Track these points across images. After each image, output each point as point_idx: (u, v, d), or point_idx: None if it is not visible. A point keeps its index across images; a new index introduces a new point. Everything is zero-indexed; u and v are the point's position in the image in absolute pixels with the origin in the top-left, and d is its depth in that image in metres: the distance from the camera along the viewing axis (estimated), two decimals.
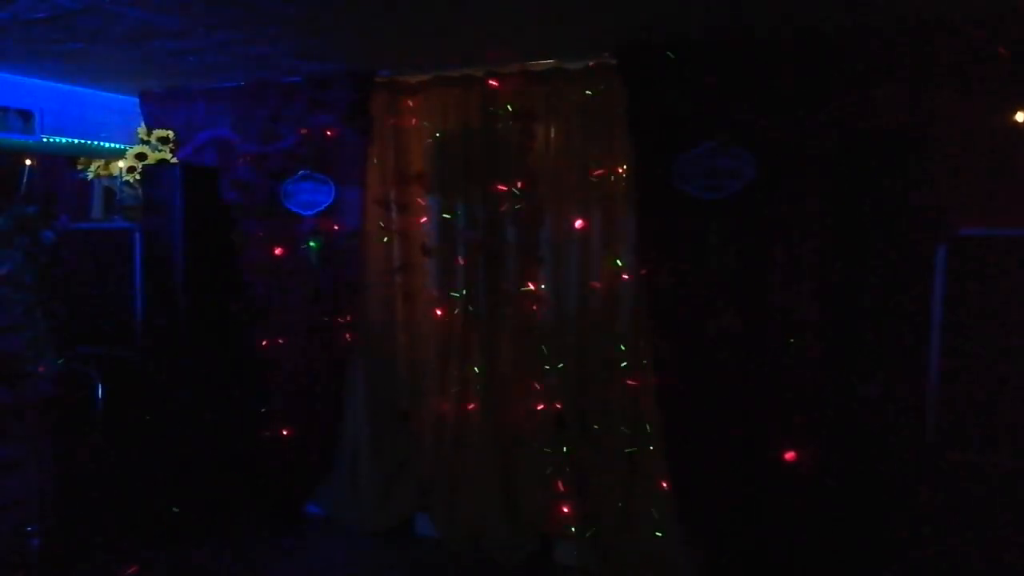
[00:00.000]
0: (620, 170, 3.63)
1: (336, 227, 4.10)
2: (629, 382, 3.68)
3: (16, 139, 3.99)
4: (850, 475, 3.06)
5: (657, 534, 3.59)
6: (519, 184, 3.80)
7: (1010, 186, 2.76)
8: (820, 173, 3.09)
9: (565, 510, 3.82)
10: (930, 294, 2.81)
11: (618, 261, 3.67)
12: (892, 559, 2.99)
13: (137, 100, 4.57)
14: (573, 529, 3.78)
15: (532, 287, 3.86)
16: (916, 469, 2.90)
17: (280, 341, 4.25)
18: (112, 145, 4.45)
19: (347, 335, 4.15)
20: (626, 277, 3.66)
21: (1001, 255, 2.68)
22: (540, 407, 3.89)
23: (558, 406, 3.85)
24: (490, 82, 3.77)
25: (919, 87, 2.90)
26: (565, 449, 3.84)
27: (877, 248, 2.97)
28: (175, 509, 3.99)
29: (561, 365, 3.82)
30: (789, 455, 3.18)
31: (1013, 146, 2.76)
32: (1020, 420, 2.69)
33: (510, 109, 3.77)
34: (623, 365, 3.69)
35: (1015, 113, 2.74)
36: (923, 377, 2.85)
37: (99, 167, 4.48)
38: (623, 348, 3.68)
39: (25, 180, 4.12)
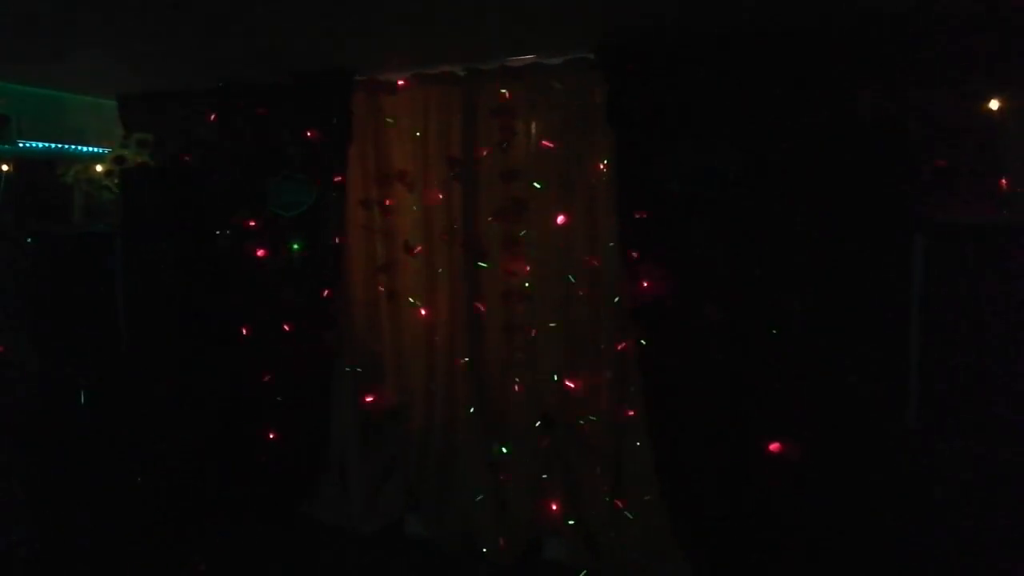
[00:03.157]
0: (602, 165, 3.63)
1: (319, 227, 4.08)
2: (614, 377, 3.68)
3: None
4: (835, 465, 3.07)
5: (645, 530, 3.59)
6: (500, 181, 3.80)
7: (986, 175, 2.77)
8: (801, 166, 3.09)
9: (554, 507, 3.82)
10: (910, 283, 2.82)
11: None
12: (879, 548, 3.00)
13: (115, 103, 4.54)
14: (563, 526, 3.79)
15: (516, 284, 3.86)
16: (901, 458, 2.91)
17: (265, 343, 4.23)
18: (91, 149, 4.41)
19: (333, 335, 4.13)
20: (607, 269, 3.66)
21: (978, 243, 2.70)
22: (527, 405, 3.89)
23: (545, 403, 3.85)
24: (471, 79, 3.76)
25: (896, 78, 2.91)
26: (553, 446, 3.84)
27: (858, 238, 2.98)
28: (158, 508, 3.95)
29: (547, 362, 3.82)
30: (775, 446, 3.19)
31: (988, 135, 2.77)
32: (1002, 407, 2.70)
33: (491, 107, 3.76)
34: (608, 360, 3.69)
35: (989, 101, 2.75)
36: (905, 365, 2.87)
37: (78, 171, 4.44)
38: (608, 344, 3.68)
39: (2, 186, 4.07)
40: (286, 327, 4.18)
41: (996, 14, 2.75)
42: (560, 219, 3.70)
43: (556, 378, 3.79)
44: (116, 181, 4.28)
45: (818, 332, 3.10)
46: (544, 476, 3.87)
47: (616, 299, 3.62)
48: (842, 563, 3.10)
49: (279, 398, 4.23)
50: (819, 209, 3.08)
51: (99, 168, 4.37)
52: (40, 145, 4.18)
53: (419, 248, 4.07)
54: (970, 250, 2.72)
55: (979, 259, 2.70)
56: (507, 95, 3.74)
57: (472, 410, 3.99)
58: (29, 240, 3.97)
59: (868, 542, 3.03)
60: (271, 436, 4.23)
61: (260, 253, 4.19)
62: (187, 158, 4.35)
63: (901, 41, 2.90)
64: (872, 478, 2.99)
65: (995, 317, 2.68)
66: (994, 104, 2.73)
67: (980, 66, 2.80)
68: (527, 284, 3.85)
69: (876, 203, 2.96)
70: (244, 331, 4.26)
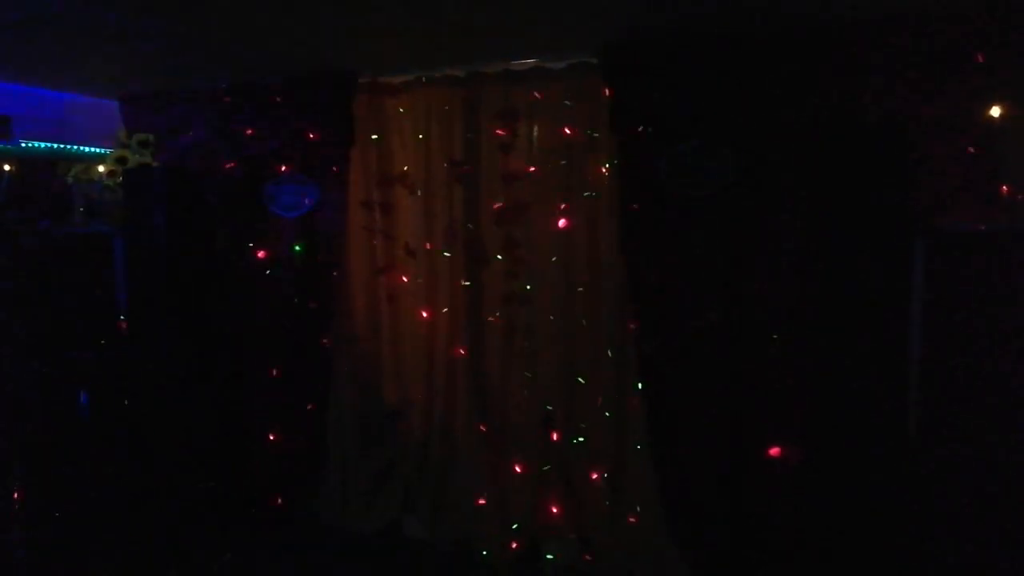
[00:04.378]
0: (603, 168, 3.64)
1: (320, 229, 4.09)
2: (614, 380, 3.69)
3: None
4: (834, 470, 3.07)
5: (644, 532, 3.60)
6: (502, 183, 3.80)
7: (988, 181, 2.78)
8: (801, 169, 3.11)
9: (553, 510, 3.82)
10: (910, 288, 2.83)
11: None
12: (878, 551, 3.01)
13: (117, 103, 4.54)
14: (562, 528, 3.79)
15: (517, 287, 3.86)
16: (900, 461, 2.92)
17: (265, 344, 4.23)
18: (92, 149, 4.40)
19: (332, 337, 4.14)
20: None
21: (979, 249, 2.71)
22: (526, 407, 3.90)
23: (545, 405, 3.86)
24: (473, 82, 3.77)
25: (898, 83, 2.92)
26: (552, 449, 3.85)
27: (858, 243, 2.99)
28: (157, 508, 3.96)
29: (547, 365, 3.83)
30: (774, 450, 3.20)
31: (990, 141, 2.78)
32: (1001, 414, 2.71)
33: (493, 110, 3.77)
34: (608, 363, 3.70)
35: (991, 108, 2.76)
36: (904, 372, 2.87)
37: (79, 172, 4.43)
38: (608, 347, 3.69)
39: (3, 186, 4.07)
40: (286, 328, 4.18)
41: (998, 17, 2.76)
42: (562, 222, 3.71)
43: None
44: (118, 181, 4.28)
45: (818, 335, 3.10)
46: (543, 478, 3.87)
47: (617, 301, 3.62)
48: (841, 566, 3.10)
49: (279, 399, 4.23)
50: (820, 212, 3.09)
51: (101, 168, 4.36)
52: (41, 145, 4.17)
53: (428, 245, 4.07)
54: (970, 256, 2.72)
55: (979, 265, 2.71)
56: (510, 98, 3.75)
57: (471, 411, 3.99)
58: (30, 240, 3.96)
59: (867, 545, 3.04)
60: (270, 437, 4.23)
61: (261, 254, 4.19)
62: (189, 159, 4.35)
63: (902, 43, 2.91)
64: (871, 481, 3.00)
65: (995, 323, 2.69)
66: (995, 110, 2.74)
67: (982, 70, 2.81)
68: (528, 287, 3.86)
69: (877, 207, 2.97)
70: (244, 332, 4.26)
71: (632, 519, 3.66)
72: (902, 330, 2.87)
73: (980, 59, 2.80)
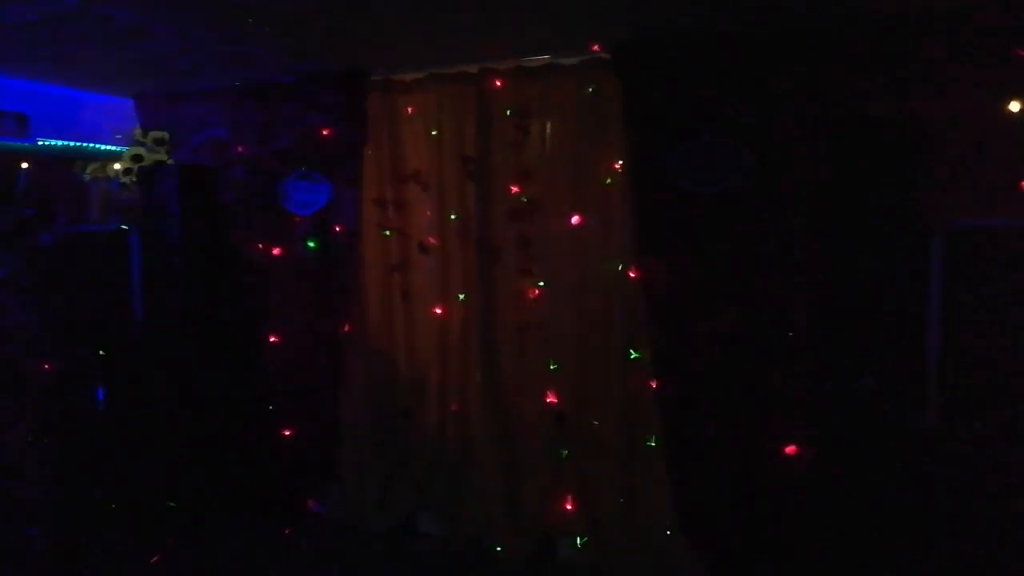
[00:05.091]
0: (616, 165, 3.62)
1: (333, 226, 4.10)
2: (628, 378, 3.68)
3: (11, 142, 3.99)
4: (849, 468, 3.05)
5: (658, 530, 3.59)
6: (515, 180, 3.80)
7: (1004, 176, 2.75)
8: (815, 166, 3.08)
9: (567, 507, 3.82)
10: (927, 286, 2.80)
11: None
12: (892, 552, 2.98)
13: (132, 102, 4.57)
14: (575, 525, 3.78)
15: (530, 284, 3.86)
16: (916, 461, 2.89)
17: (279, 341, 4.25)
18: (108, 147, 4.44)
19: (346, 334, 4.15)
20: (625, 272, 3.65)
21: (996, 245, 2.68)
22: (540, 404, 3.90)
23: (558, 403, 3.85)
24: (485, 79, 3.77)
25: (912, 79, 2.89)
26: (565, 446, 3.85)
27: (873, 240, 2.96)
28: (172, 504, 4.00)
29: (560, 362, 3.82)
30: (789, 449, 3.18)
31: (1006, 136, 2.74)
32: (1018, 411, 2.68)
33: (506, 107, 3.76)
34: (622, 361, 3.68)
35: (1008, 103, 2.72)
36: (921, 369, 2.85)
37: (95, 169, 4.47)
38: (621, 344, 3.67)
39: (21, 183, 4.11)
40: (300, 325, 4.20)
41: (1011, 12, 2.72)
42: (575, 219, 3.70)
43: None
44: (133, 179, 4.32)
45: (833, 333, 3.08)
46: (557, 476, 3.87)
47: (629, 298, 3.61)
48: (854, 566, 3.08)
49: (292, 395, 4.25)
50: (835, 210, 3.06)
51: (116, 166, 4.40)
52: (58, 143, 4.22)
53: (433, 240, 4.06)
54: (988, 252, 2.69)
55: (997, 261, 2.68)
56: (522, 95, 3.74)
57: (485, 408, 4.00)
58: (47, 238, 4.00)
59: (881, 545, 3.01)
60: (284, 433, 4.25)
61: (275, 251, 4.21)
62: (203, 156, 4.38)
63: (910, 40, 2.88)
64: (887, 481, 2.98)
65: (1013, 320, 2.66)
66: (1014, 105, 2.71)
67: (998, 66, 2.77)
68: (540, 283, 3.85)
69: (892, 204, 2.94)
70: (258, 329, 4.29)
71: (644, 517, 3.65)
72: (919, 327, 2.84)
73: (996, 54, 2.76)
